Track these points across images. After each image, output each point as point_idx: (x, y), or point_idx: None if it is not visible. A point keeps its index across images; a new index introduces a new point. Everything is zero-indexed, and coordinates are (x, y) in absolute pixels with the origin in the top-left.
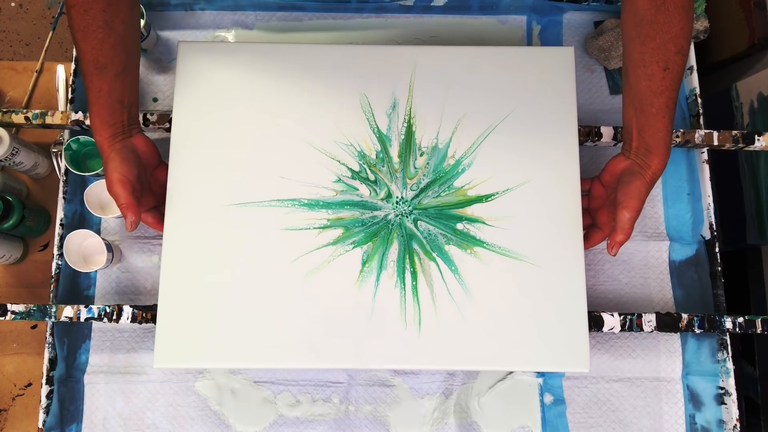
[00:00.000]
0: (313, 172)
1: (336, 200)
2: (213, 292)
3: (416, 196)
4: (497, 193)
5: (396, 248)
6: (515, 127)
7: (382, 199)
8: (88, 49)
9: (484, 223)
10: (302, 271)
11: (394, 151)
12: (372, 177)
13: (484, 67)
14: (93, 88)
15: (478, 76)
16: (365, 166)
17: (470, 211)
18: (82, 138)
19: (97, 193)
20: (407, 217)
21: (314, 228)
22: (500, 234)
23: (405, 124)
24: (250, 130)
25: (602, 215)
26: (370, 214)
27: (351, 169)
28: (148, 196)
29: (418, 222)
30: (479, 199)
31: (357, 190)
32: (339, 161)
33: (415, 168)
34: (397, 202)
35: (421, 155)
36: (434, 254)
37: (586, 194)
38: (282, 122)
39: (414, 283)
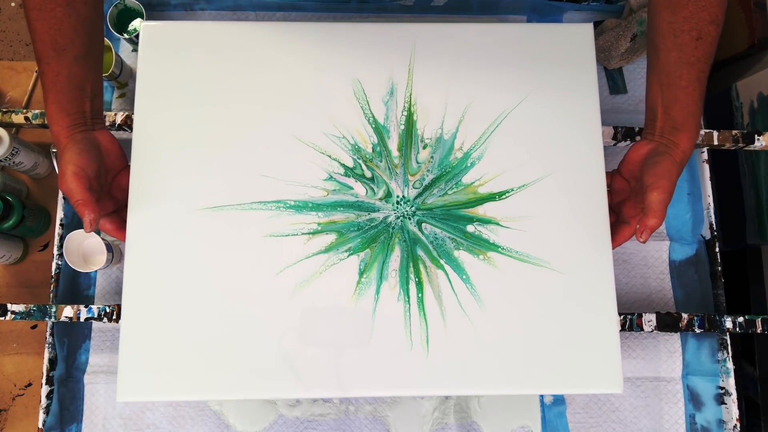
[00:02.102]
0: (301, 170)
1: (327, 201)
2: (185, 311)
3: (420, 194)
4: (512, 190)
5: (398, 255)
6: (530, 115)
7: (380, 199)
8: (45, 29)
9: (497, 224)
10: (289, 284)
11: (393, 144)
12: (368, 174)
13: (494, 47)
14: (49, 72)
15: (486, 57)
16: (360, 161)
17: (482, 210)
18: None
19: None
20: (410, 218)
21: (303, 234)
22: (517, 236)
23: (405, 113)
24: (226, 122)
25: (628, 209)
26: (367, 217)
27: (344, 165)
28: (106, 200)
29: (423, 224)
30: (492, 197)
31: (351, 189)
32: (330, 156)
33: (417, 163)
34: (397, 202)
35: (424, 148)
36: (442, 261)
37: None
38: (263, 112)
39: (420, 295)
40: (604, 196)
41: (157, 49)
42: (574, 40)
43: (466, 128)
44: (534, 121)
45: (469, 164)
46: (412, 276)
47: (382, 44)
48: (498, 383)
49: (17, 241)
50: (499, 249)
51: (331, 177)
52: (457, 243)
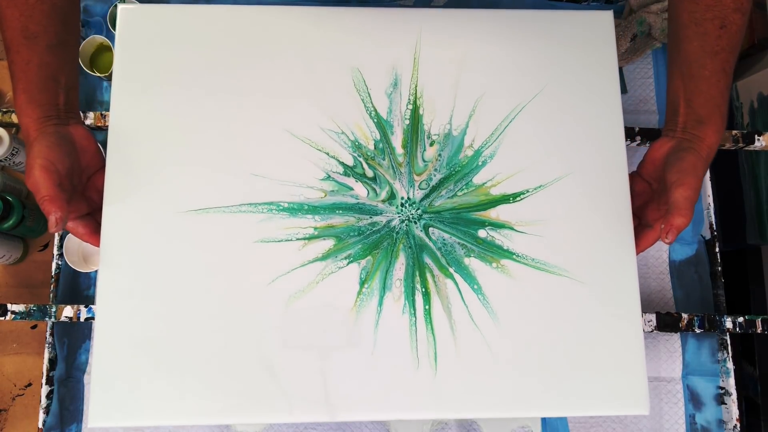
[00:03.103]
0: (295, 168)
1: (325, 203)
2: (165, 325)
3: (426, 196)
4: (527, 192)
5: (403, 263)
6: (547, 109)
7: (383, 201)
8: (16, 16)
9: (512, 228)
10: (282, 295)
11: (396, 141)
12: (370, 173)
13: (507, 35)
14: (19, 60)
15: (498, 46)
16: (361, 159)
17: (495, 213)
18: None
19: None
20: (416, 222)
21: (297, 239)
22: (533, 242)
23: (410, 106)
24: (212, 115)
25: (651, 212)
26: (368, 220)
27: (343, 164)
28: (79, 201)
29: (430, 229)
30: (505, 199)
31: (351, 189)
32: (328, 153)
33: (423, 161)
34: (402, 205)
35: (431, 145)
36: (451, 270)
37: None
38: (254, 105)
39: (427, 307)
40: (627, 198)
41: (136, 34)
42: (594, 27)
43: (477, 123)
44: (551, 116)
45: (480, 163)
46: (418, 286)
47: (385, 30)
48: (513, 405)
49: (17, 241)
50: (514, 256)
51: (329, 176)
52: (467, 249)
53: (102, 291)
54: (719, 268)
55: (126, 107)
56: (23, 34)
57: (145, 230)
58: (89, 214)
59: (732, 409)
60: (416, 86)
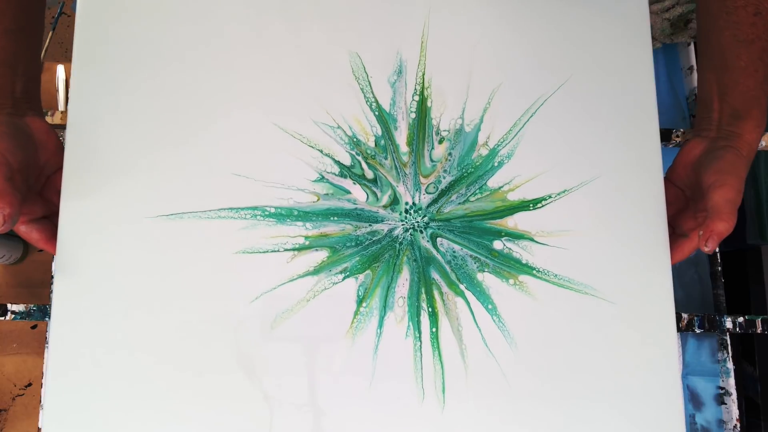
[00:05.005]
0: (284, 168)
1: (318, 208)
2: (130, 350)
3: (434, 201)
4: (550, 197)
5: (406, 278)
6: (572, 103)
7: (385, 207)
8: None
9: (532, 239)
10: (267, 315)
11: (400, 137)
12: (370, 174)
13: (527, 17)
14: None
15: (516, 30)
16: (360, 158)
17: (512, 222)
18: None
19: None
20: (422, 232)
21: (286, 250)
22: (556, 255)
23: (416, 97)
24: (187, 107)
25: (686, 221)
26: (367, 229)
27: (339, 163)
28: (35, 201)
29: (438, 239)
30: (525, 206)
31: (349, 193)
32: (321, 151)
33: (431, 161)
34: (406, 211)
35: (440, 142)
36: (462, 286)
37: None
38: (236, 94)
39: (434, 329)
40: (662, 205)
41: (100, 12)
42: (625, 10)
43: (493, 118)
44: (576, 111)
45: (496, 164)
46: (424, 305)
47: (389, 10)
48: None
49: (17, 241)
50: (534, 271)
51: (323, 178)
52: (481, 263)
53: (58, 304)
54: (719, 268)
55: (88, 96)
56: None
57: (109, 237)
58: (46, 217)
59: (732, 409)
60: (423, 74)
